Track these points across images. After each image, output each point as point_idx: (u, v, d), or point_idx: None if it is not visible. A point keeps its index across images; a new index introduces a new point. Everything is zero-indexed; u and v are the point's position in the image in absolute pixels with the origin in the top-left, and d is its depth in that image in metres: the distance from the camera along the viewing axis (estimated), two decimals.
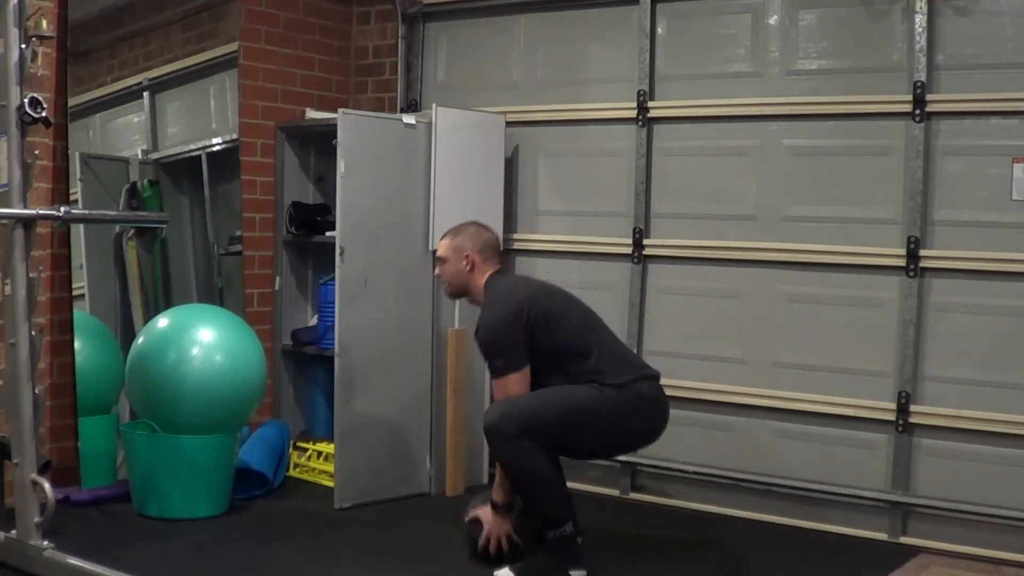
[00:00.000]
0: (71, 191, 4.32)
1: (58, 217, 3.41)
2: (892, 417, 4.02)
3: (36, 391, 3.33)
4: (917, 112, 3.95)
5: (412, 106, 5.20)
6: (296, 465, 4.77)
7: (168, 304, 4.61)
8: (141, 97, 4.71)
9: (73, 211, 3.77)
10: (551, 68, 4.87)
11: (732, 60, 4.40)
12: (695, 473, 4.43)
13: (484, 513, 3.64)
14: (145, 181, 4.69)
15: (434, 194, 4.47)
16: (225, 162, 4.91)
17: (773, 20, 4.29)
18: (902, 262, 3.99)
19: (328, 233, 4.79)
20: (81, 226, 4.40)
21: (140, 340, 4.13)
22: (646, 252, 4.56)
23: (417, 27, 5.23)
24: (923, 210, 3.96)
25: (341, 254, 4.26)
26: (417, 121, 4.52)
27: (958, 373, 3.92)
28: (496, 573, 3.43)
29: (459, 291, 3.77)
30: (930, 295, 3.98)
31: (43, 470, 3.40)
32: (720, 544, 4.03)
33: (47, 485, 3.27)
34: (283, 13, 5.10)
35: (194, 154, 4.90)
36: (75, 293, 4.33)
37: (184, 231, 4.87)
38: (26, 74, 3.28)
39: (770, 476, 4.27)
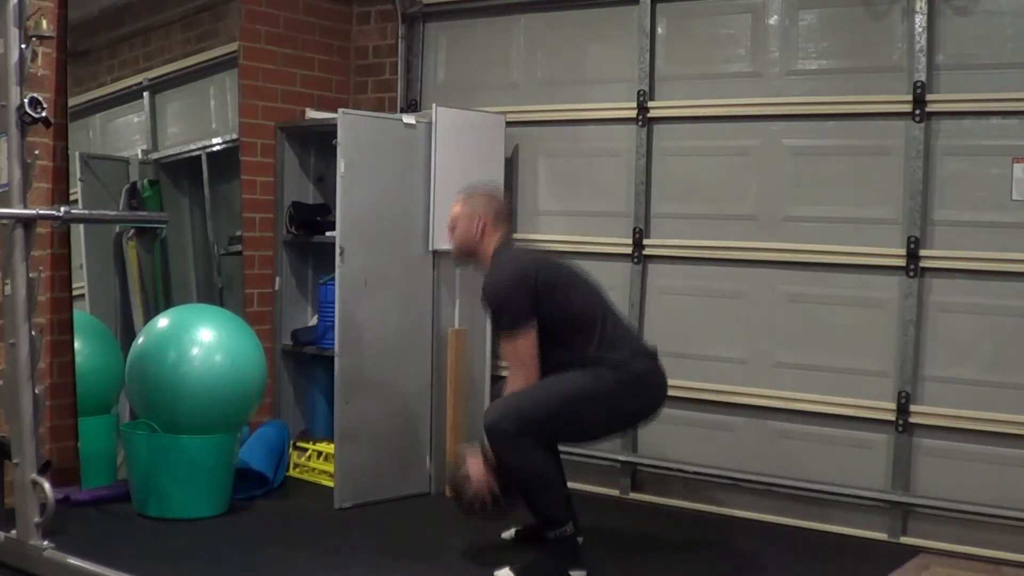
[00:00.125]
0: (71, 191, 4.32)
1: (58, 217, 3.41)
2: (892, 417, 4.02)
3: (36, 391, 3.33)
4: (917, 112, 3.95)
5: (412, 106, 5.20)
6: (296, 465, 4.77)
7: (168, 304, 4.61)
8: (141, 97, 4.71)
9: (73, 211, 3.77)
10: (551, 68, 4.87)
11: (732, 60, 4.40)
12: (695, 473, 4.43)
13: (475, 466, 3.57)
14: (145, 181, 4.69)
15: (434, 194, 4.47)
16: (225, 162, 4.91)
17: (773, 20, 4.29)
18: (902, 262, 3.99)
19: (328, 233, 4.79)
20: (81, 226, 4.40)
21: (140, 340, 4.13)
22: (646, 252, 4.56)
23: (417, 27, 5.23)
24: (923, 210, 3.96)
25: (341, 254, 4.26)
26: (417, 121, 4.52)
27: (958, 373, 3.92)
28: (496, 573, 3.43)
29: (467, 255, 3.72)
30: (930, 295, 3.98)
31: (43, 470, 3.40)
32: (720, 544, 4.03)
33: (47, 485, 3.27)
34: (283, 13, 5.10)
35: (194, 154, 4.90)
36: (75, 293, 4.33)
37: (184, 231, 4.87)
38: (26, 74, 3.28)
39: (770, 476, 4.27)
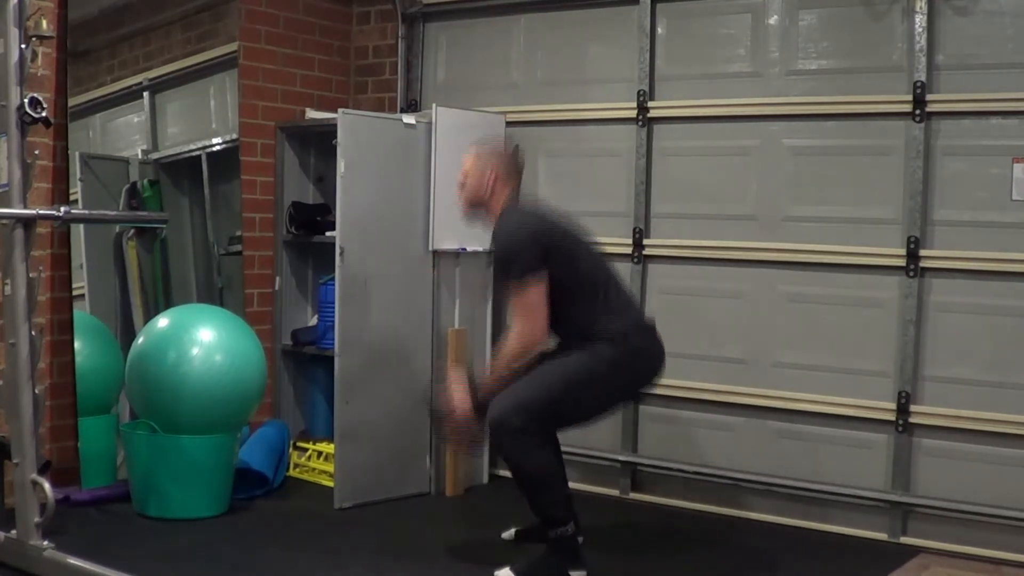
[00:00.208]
0: (71, 191, 4.32)
1: (58, 217, 3.41)
2: (892, 417, 4.02)
3: (36, 391, 3.33)
4: (917, 112, 3.95)
5: (412, 106, 5.20)
6: (296, 465, 4.77)
7: (168, 304, 4.61)
8: (141, 97, 4.71)
9: (73, 211, 3.77)
10: (551, 68, 4.87)
11: (732, 60, 4.40)
12: (695, 473, 4.43)
13: (459, 393, 3.52)
14: (145, 181, 4.69)
15: (434, 194, 4.47)
16: (225, 162, 4.91)
17: (773, 20, 4.29)
18: (902, 262, 3.99)
19: (328, 233, 4.79)
20: (81, 226, 4.40)
21: (140, 340, 4.13)
22: (646, 252, 4.56)
23: (417, 27, 5.23)
24: (923, 210, 3.96)
25: (341, 254, 4.26)
26: (417, 121, 4.52)
27: (958, 373, 3.92)
28: (496, 573, 3.43)
29: (476, 207, 3.67)
30: (930, 295, 3.98)
31: (43, 470, 3.40)
32: (720, 544, 4.03)
33: (47, 485, 3.27)
34: (283, 13, 5.10)
35: (194, 154, 4.90)
36: (75, 293, 4.33)
37: (184, 231, 4.87)
38: (26, 74, 3.28)
39: (770, 476, 4.27)
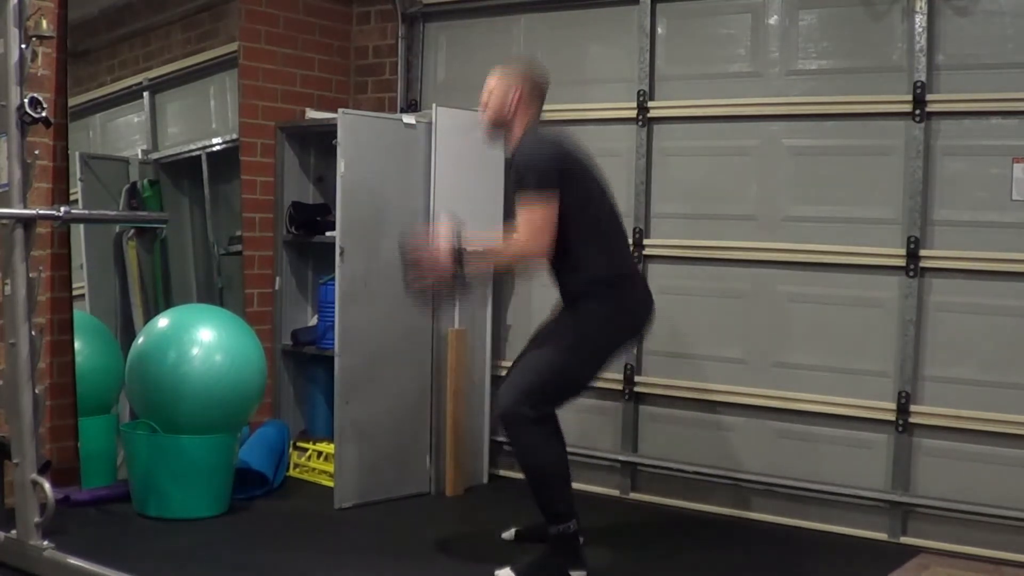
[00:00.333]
0: (71, 191, 4.32)
1: (58, 217, 3.41)
2: (892, 417, 4.02)
3: (36, 391, 3.33)
4: (917, 112, 3.95)
5: (412, 106, 5.20)
6: (296, 465, 4.77)
7: (168, 304, 4.61)
8: (141, 97, 4.71)
9: (73, 211, 3.77)
10: (551, 68, 4.81)
11: (732, 60, 4.39)
12: (695, 473, 4.43)
13: (443, 242, 3.44)
14: (145, 181, 4.69)
15: (434, 194, 4.47)
16: (225, 162, 4.91)
17: (773, 20, 4.29)
18: (902, 262, 3.99)
19: (328, 233, 4.79)
20: (81, 226, 4.40)
21: (140, 340, 4.13)
22: (646, 252, 4.55)
23: (417, 27, 5.23)
24: (923, 210, 3.96)
25: (341, 254, 4.26)
26: (417, 121, 4.52)
27: (958, 373, 3.92)
28: (497, 573, 3.43)
29: (497, 128, 3.64)
30: (930, 295, 3.98)
31: (43, 470, 3.40)
32: (720, 544, 4.03)
33: (47, 485, 3.27)
34: (283, 13, 5.10)
35: (194, 154, 4.90)
36: (75, 293, 4.33)
37: (184, 231, 4.87)
38: (26, 74, 3.28)
39: (770, 476, 4.27)
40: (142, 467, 4.04)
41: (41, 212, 3.39)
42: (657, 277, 4.55)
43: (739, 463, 4.35)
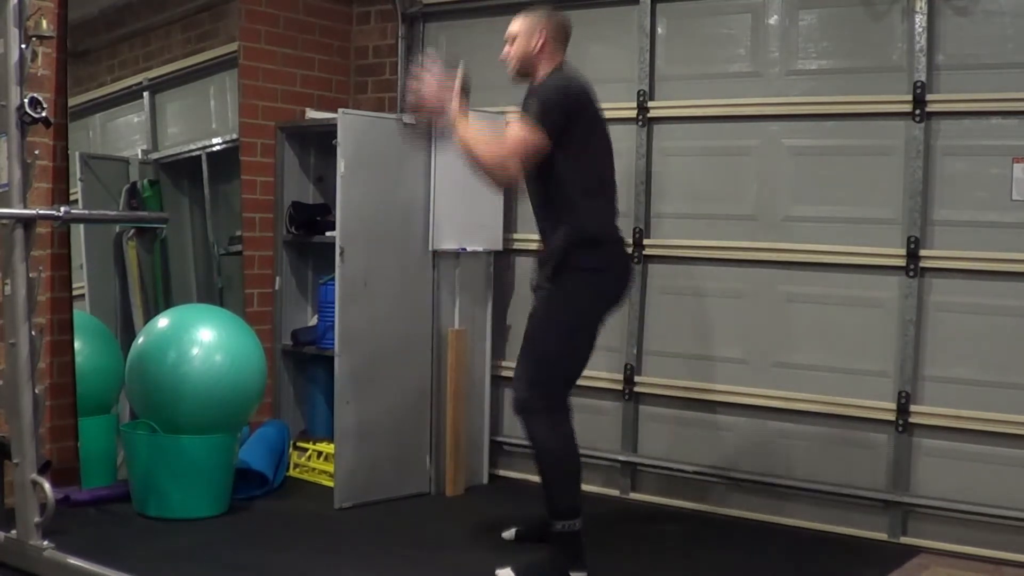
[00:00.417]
0: (71, 191, 4.32)
1: (58, 217, 3.41)
2: (892, 417, 4.02)
3: (36, 391, 3.33)
4: (917, 112, 3.95)
5: None
6: (296, 465, 4.77)
7: (168, 304, 4.61)
8: (141, 97, 4.71)
9: (73, 211, 3.77)
10: None
11: (732, 60, 4.39)
12: (695, 473, 4.43)
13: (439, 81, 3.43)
14: (145, 181, 4.69)
15: (434, 194, 4.47)
16: (225, 162, 4.91)
17: (773, 20, 4.29)
18: (902, 262, 3.99)
19: (328, 233, 4.79)
20: (81, 226, 4.40)
21: (140, 340, 4.13)
22: (646, 252, 4.55)
23: (417, 27, 5.23)
24: (923, 210, 3.96)
25: (341, 254, 4.26)
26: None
27: (958, 373, 3.92)
28: (498, 572, 3.43)
29: (523, 71, 3.63)
30: (930, 295, 3.98)
31: (43, 470, 3.39)
32: (720, 544, 4.03)
33: (47, 485, 3.27)
34: (283, 13, 5.10)
35: (194, 154, 4.90)
36: (75, 293, 4.33)
37: (184, 231, 4.87)
38: (26, 74, 3.28)
39: (770, 476, 4.27)
40: (142, 467, 4.04)
41: (41, 212, 3.39)
42: (657, 277, 4.56)
43: (739, 463, 4.35)
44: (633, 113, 4.56)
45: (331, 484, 4.37)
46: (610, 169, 3.63)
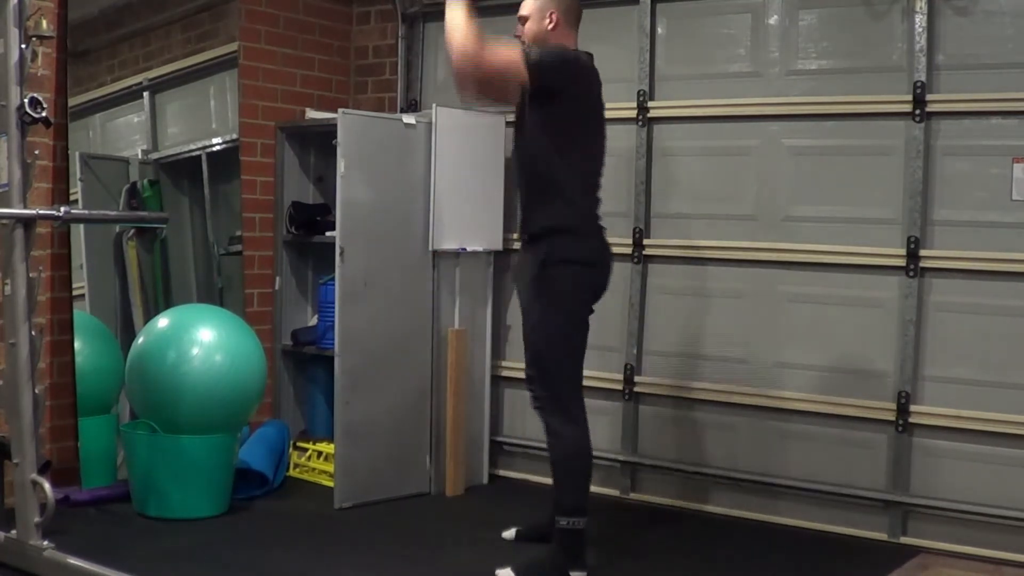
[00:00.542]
0: (71, 191, 4.32)
1: (58, 217, 3.41)
2: (892, 417, 4.02)
3: (36, 391, 3.33)
4: (917, 112, 3.95)
5: (412, 106, 5.20)
6: (296, 465, 4.77)
7: (168, 304, 4.61)
8: (141, 97, 4.71)
9: (73, 211, 3.77)
10: None
11: (732, 60, 4.39)
12: (695, 473, 4.43)
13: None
14: (145, 181, 4.69)
15: (434, 194, 4.47)
16: (225, 162, 4.91)
17: (773, 20, 4.29)
18: (902, 262, 3.99)
19: (328, 233, 4.80)
20: (81, 226, 4.40)
21: (140, 340, 4.13)
22: (646, 252, 4.55)
23: (417, 27, 5.23)
24: (923, 210, 3.96)
25: (341, 254, 4.26)
26: (417, 121, 4.52)
27: (958, 373, 3.92)
28: (498, 572, 3.44)
29: None
30: (930, 295, 3.98)
31: (43, 470, 3.40)
32: (720, 544, 4.03)
33: (47, 485, 3.27)
34: (283, 13, 5.11)
35: (194, 154, 4.90)
36: (75, 293, 4.33)
37: (184, 231, 4.87)
38: (26, 74, 3.28)
39: (770, 476, 4.27)
40: (142, 467, 4.04)
41: (41, 212, 3.39)
42: (657, 277, 4.56)
43: (739, 463, 4.35)
44: (633, 113, 4.56)
45: (331, 484, 4.37)
46: (602, 161, 3.64)
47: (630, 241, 4.56)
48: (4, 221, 3.28)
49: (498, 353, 4.86)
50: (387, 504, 4.38)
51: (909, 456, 4.01)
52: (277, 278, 5.12)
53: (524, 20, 3.65)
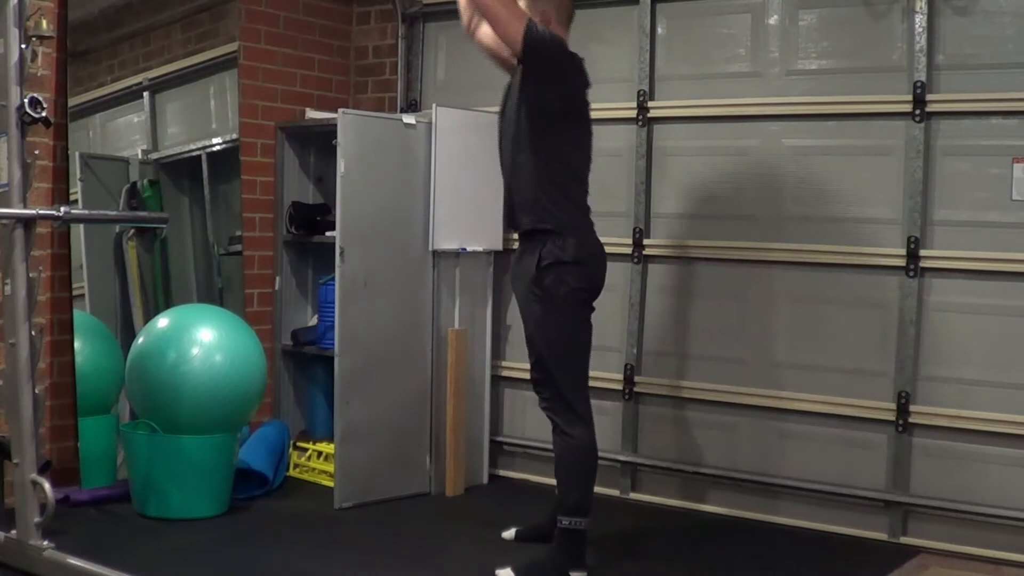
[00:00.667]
0: (71, 191, 4.32)
1: (58, 217, 3.41)
2: (892, 417, 4.02)
3: (36, 391, 3.33)
4: (917, 112, 3.95)
5: (412, 106, 5.20)
6: (296, 465, 4.77)
7: (168, 304, 4.61)
8: (141, 97, 4.71)
9: (73, 211, 3.77)
10: None
11: (732, 60, 4.39)
12: (695, 473, 4.43)
13: None
14: (145, 181, 4.69)
15: (434, 194, 4.47)
16: (225, 162, 4.91)
17: (773, 20, 4.29)
18: (902, 262, 3.99)
19: (328, 233, 4.80)
20: (81, 226, 4.40)
21: (140, 340, 4.13)
22: (646, 252, 4.55)
23: (417, 27, 5.23)
24: (923, 210, 3.96)
25: (341, 254, 4.26)
26: (417, 121, 4.52)
27: (958, 373, 3.92)
28: (498, 572, 3.44)
29: None
30: (930, 295, 3.98)
31: (43, 470, 3.40)
32: (720, 544, 4.02)
33: (47, 485, 3.27)
34: (283, 13, 5.11)
35: (194, 154, 4.90)
36: (75, 293, 4.33)
37: (184, 231, 4.87)
38: (26, 74, 3.28)
39: (770, 476, 4.27)
40: (142, 467, 4.04)
41: (41, 212, 3.39)
42: (657, 277, 4.56)
43: (739, 463, 4.35)
44: (633, 113, 4.56)
45: (331, 484, 4.37)
46: (589, 156, 3.62)
47: (630, 241, 4.56)
48: (4, 221, 3.28)
49: (498, 353, 4.87)
50: (387, 504, 4.38)
51: (909, 456, 4.01)
52: (277, 278, 5.12)
53: None
